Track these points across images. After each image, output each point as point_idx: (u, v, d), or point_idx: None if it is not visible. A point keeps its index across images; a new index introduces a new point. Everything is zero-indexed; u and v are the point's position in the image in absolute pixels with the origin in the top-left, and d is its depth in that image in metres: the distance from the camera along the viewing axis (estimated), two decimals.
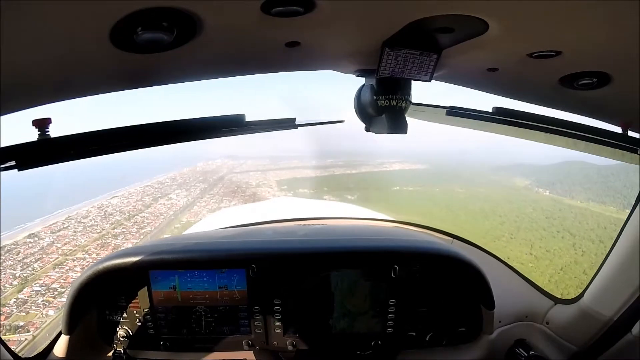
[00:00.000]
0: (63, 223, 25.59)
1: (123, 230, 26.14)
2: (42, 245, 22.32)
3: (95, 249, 22.49)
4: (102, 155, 1.13)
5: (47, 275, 19.12)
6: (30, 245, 22.18)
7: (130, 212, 29.63)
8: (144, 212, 30.18)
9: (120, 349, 1.93)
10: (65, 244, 22.94)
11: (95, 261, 1.92)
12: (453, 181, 46.98)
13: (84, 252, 21.93)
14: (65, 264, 20.40)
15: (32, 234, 23.38)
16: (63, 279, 18.75)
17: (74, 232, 24.97)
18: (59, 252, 21.77)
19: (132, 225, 27.18)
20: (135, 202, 31.85)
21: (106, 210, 29.20)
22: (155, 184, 37.06)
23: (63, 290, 17.67)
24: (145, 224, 27.88)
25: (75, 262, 20.48)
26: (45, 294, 17.45)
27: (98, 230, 25.86)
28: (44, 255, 21.19)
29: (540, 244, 30.14)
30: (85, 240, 24.02)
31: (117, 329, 1.96)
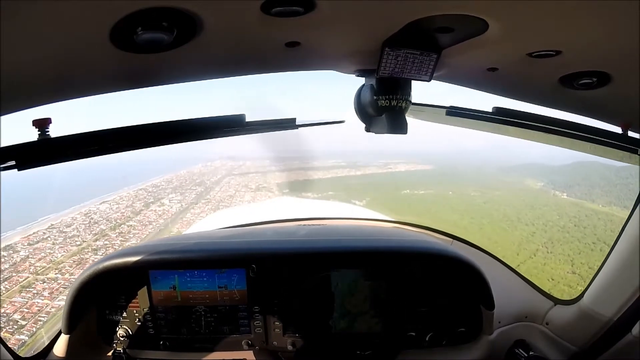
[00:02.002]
0: (44, 233, 23.55)
1: (105, 243, 23.77)
2: (15, 261, 20.16)
3: (71, 266, 20.20)
4: (102, 155, 1.13)
5: (10, 302, 16.57)
6: (3, 260, 19.93)
7: (118, 221, 27.33)
8: (132, 220, 27.85)
9: (120, 349, 1.93)
10: (39, 259, 20.72)
11: (94, 261, 1.93)
12: (465, 183, 44.33)
13: (57, 271, 19.78)
14: (34, 285, 18.18)
15: (9, 245, 21.24)
16: (27, 308, 16.27)
17: (53, 244, 22.85)
18: (31, 270, 19.53)
19: (116, 236, 24.80)
20: (125, 208, 29.55)
21: (92, 218, 26.97)
22: (150, 187, 34.76)
23: (24, 323, 15.26)
24: (131, 235, 25.54)
25: (45, 283, 18.30)
26: (4, 328, 14.80)
27: (78, 243, 23.55)
28: (13, 274, 18.76)
29: (580, 259, 27.39)
30: (61, 255, 21.71)
31: (117, 328, 1.96)
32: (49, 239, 23.26)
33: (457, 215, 35.99)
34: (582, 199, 36.36)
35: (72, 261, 21.12)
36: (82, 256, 21.82)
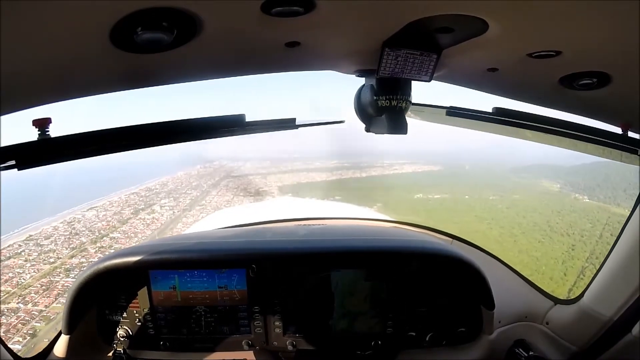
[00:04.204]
0: (20, 246, 20.67)
1: (81, 260, 20.51)
2: None
3: (37, 292, 16.98)
4: (102, 155, 1.13)
5: None
6: None
7: (101, 231, 24.03)
8: (118, 230, 24.60)
9: (120, 349, 1.93)
10: (5, 280, 17.90)
11: (95, 261, 1.93)
12: (479, 186, 40.50)
13: (20, 299, 16.62)
14: None
15: None
16: None
17: (25, 260, 19.83)
18: None
19: (95, 252, 21.33)
20: (112, 216, 26.28)
21: (75, 227, 23.69)
22: (143, 191, 31.46)
23: None
24: (112, 251, 20.14)
25: (1, 317, 15.39)
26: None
27: (52, 260, 20.32)
28: None
29: None
30: (30, 277, 18.52)
31: (117, 328, 1.96)
32: (22, 254, 20.30)
33: (485, 225, 32.22)
34: (607, 202, 33.23)
35: (39, 285, 17.75)
36: (52, 278, 18.48)
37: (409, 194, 39.81)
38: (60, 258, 20.73)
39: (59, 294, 16.53)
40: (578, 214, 33.02)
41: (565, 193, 38.03)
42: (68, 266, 19.92)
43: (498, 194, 38.47)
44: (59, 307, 15.31)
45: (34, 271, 19.09)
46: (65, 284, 17.31)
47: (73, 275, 18.42)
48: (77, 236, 23.18)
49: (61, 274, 19.06)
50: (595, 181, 35.58)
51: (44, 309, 15.73)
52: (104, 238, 23.52)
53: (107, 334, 1.98)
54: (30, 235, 21.73)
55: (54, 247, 21.53)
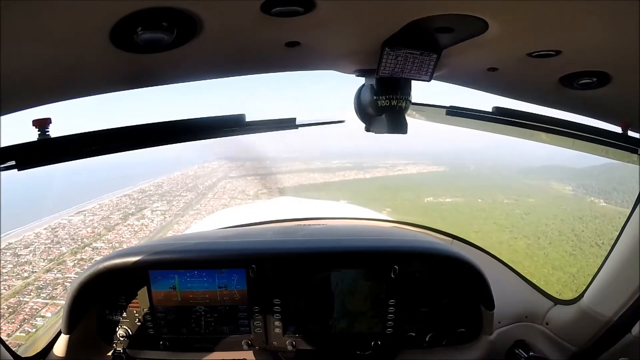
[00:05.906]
0: None
1: (57, 275, 18.24)
2: None
3: (1, 316, 14.73)
4: (102, 155, 1.13)
5: None
6: None
7: (84, 240, 21.82)
8: (102, 238, 22.43)
9: (120, 349, 1.93)
10: None
11: (95, 261, 1.93)
12: (489, 188, 37.76)
13: None
14: None
15: None
16: None
17: None
18: None
19: (73, 265, 19.02)
20: (99, 222, 24.02)
21: (58, 235, 21.52)
22: (136, 193, 29.56)
23: None
24: (91, 264, 16.61)
25: None
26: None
27: (26, 274, 18.08)
28: None
29: None
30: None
31: (117, 328, 1.96)
32: None
33: (507, 234, 29.44)
34: (626, 207, 31.28)
35: (6, 306, 15.79)
36: (20, 299, 16.58)
37: (418, 197, 37.57)
38: (35, 272, 18.73)
39: (24, 319, 15.01)
40: (601, 220, 30.71)
41: (580, 196, 35.81)
42: (41, 283, 17.93)
43: (512, 198, 36.12)
44: (23, 336, 13.93)
45: (4, 288, 17.38)
46: (34, 307, 15.79)
47: (44, 296, 16.90)
48: (58, 245, 21.24)
49: (32, 293, 17.15)
50: (609, 184, 33.48)
51: (6, 338, 13.86)
52: (86, 248, 21.57)
53: (107, 334, 1.98)
54: (10, 244, 19.84)
55: (31, 258, 19.61)
